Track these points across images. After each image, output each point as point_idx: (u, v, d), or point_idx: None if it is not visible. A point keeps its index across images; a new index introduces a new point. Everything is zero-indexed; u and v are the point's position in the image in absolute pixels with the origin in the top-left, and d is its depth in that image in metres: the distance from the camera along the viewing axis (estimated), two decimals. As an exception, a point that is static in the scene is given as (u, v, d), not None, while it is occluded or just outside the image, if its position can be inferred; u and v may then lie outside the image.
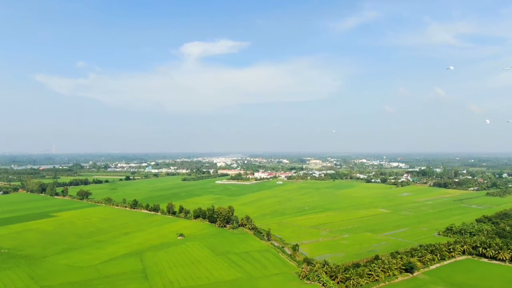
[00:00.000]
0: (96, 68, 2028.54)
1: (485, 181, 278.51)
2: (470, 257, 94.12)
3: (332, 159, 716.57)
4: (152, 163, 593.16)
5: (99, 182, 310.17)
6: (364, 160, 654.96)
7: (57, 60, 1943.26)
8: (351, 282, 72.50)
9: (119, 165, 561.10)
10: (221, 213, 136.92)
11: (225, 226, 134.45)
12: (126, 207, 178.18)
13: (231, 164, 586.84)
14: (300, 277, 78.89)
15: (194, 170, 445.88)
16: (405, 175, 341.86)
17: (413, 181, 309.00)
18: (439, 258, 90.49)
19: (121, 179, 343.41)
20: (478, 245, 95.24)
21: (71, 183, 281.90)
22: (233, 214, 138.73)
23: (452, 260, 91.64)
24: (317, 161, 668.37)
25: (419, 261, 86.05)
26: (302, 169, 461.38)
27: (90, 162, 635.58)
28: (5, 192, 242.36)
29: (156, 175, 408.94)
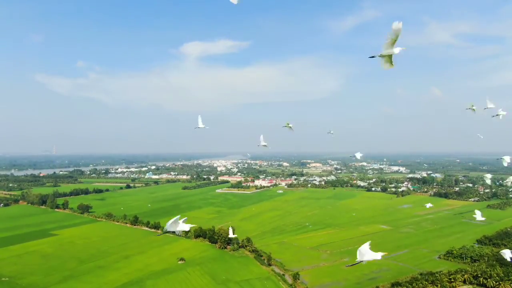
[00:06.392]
0: (96, 68, 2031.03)
1: (486, 191, 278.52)
2: (471, 286, 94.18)
3: (333, 162, 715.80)
4: (153, 167, 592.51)
5: (100, 191, 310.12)
6: (365, 163, 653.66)
7: (57, 60, 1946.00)
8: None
9: (119, 169, 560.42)
10: (221, 234, 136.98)
11: (225, 248, 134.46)
12: (126, 223, 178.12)
13: (231, 168, 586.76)
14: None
15: (195, 176, 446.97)
16: (406, 183, 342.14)
17: (413, 189, 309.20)
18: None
19: (121, 188, 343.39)
20: (479, 274, 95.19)
21: (71, 193, 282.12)
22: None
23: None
24: (317, 164, 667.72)
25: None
26: (302, 174, 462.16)
27: (91, 166, 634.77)
28: (6, 204, 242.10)
29: (156, 182, 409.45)
